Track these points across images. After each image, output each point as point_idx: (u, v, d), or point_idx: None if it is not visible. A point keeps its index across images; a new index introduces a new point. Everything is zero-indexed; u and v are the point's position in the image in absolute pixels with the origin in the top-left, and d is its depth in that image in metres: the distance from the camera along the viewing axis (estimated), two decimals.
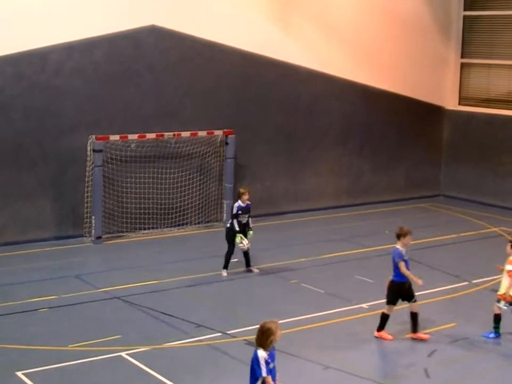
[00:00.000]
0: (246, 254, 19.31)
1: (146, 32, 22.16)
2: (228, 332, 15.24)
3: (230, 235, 19.01)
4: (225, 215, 23.55)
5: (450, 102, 29.14)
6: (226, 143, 23.42)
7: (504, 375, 13.74)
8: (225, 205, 23.57)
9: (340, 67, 26.05)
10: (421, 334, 15.07)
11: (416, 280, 14.83)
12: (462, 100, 29.19)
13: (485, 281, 18.98)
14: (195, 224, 23.43)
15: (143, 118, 22.25)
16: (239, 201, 19.01)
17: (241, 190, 19.23)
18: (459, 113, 28.93)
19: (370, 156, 27.36)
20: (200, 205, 23.52)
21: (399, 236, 15.09)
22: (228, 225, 19.33)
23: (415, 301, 15.05)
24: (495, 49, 28.10)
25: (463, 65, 29.06)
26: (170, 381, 13.05)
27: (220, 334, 15.18)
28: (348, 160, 26.91)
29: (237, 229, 18.77)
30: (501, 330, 15.39)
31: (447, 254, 21.67)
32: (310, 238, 22.64)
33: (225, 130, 23.39)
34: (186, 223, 23.28)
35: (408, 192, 28.43)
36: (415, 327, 15.08)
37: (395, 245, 15.04)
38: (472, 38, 28.76)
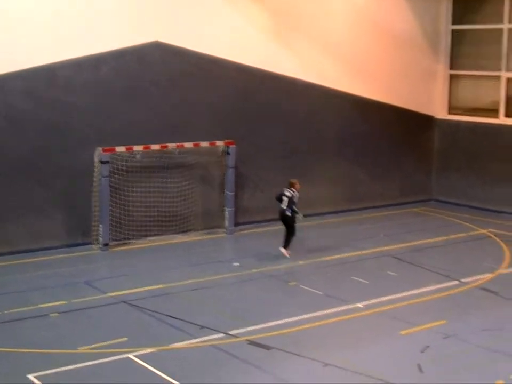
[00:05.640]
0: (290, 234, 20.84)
1: (151, 48, 22.10)
2: (231, 333, 15.14)
3: (294, 218, 20.70)
4: (227, 221, 23.45)
5: (440, 112, 29.12)
6: (228, 153, 23.34)
7: (494, 369, 13.63)
8: (227, 212, 23.47)
9: (335, 80, 26.02)
10: None
11: None
12: (451, 110, 29.17)
13: (475, 280, 18.92)
14: (198, 230, 23.33)
15: (148, 130, 22.17)
16: (295, 191, 20.82)
17: (293, 181, 21.02)
18: (448, 122, 28.92)
19: (365, 164, 27.29)
20: (203, 213, 23.42)
21: None
22: (288, 213, 20.66)
23: None
24: (482, 61, 28.07)
25: (451, 77, 29.04)
26: (176, 380, 12.94)
27: (223, 335, 15.08)
28: (344, 169, 26.82)
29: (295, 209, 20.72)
30: (490, 326, 15.38)
31: (438, 255, 21.58)
32: (308, 242, 22.55)
33: (227, 141, 23.31)
34: (190, 230, 23.18)
35: (402, 198, 28.36)
36: None
37: None
38: (460, 51, 28.73)
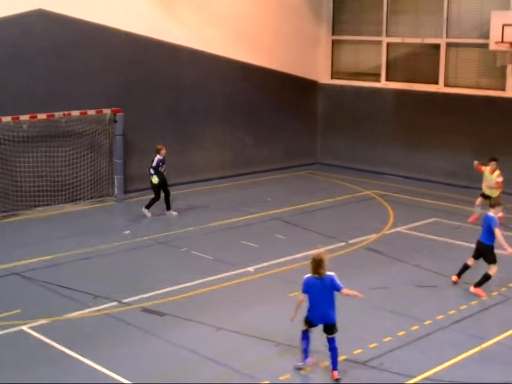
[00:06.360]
0: (167, 199, 21.87)
1: (34, 16, 21.63)
2: (124, 301, 15.17)
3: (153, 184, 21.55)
4: (116, 189, 23.35)
5: (323, 77, 29.53)
6: (115, 121, 23.16)
7: (381, 326, 14.06)
8: (116, 180, 23.36)
9: (221, 47, 26.07)
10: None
11: (507, 248, 15.44)
12: (334, 74, 29.61)
13: (361, 241, 19.40)
14: (88, 199, 23.14)
15: (34, 100, 21.75)
16: (158, 155, 21.37)
17: (159, 146, 21.56)
18: (332, 87, 29.37)
19: (251, 129, 27.49)
20: (92, 181, 23.23)
21: (493, 205, 15.73)
22: (151, 178, 21.48)
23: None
24: (363, 27, 28.55)
25: (334, 42, 29.46)
26: (71, 350, 12.93)
27: (116, 303, 15.10)
28: (230, 134, 26.96)
29: (153, 173, 21.36)
30: (376, 284, 15.85)
31: (324, 217, 22.01)
32: (197, 208, 22.67)
33: (114, 108, 23.11)
34: (79, 199, 22.97)
35: (287, 162, 28.73)
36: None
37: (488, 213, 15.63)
38: (342, 17, 29.14)
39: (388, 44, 27.82)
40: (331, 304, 12.02)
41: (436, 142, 26.02)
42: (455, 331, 13.92)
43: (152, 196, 21.79)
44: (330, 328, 12.09)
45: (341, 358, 12.54)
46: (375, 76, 28.29)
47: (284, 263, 17.61)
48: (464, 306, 15.09)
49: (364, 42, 28.64)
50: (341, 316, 12.95)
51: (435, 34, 26.48)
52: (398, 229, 20.54)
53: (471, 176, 22.86)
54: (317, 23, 29.10)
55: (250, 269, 17.23)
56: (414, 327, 14.03)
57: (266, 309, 15.00)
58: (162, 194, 21.85)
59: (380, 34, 27.94)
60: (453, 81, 26.33)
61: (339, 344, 12.13)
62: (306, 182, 26.96)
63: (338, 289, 11.95)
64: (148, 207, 21.71)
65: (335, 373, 12.09)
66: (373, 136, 27.91)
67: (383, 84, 27.98)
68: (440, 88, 26.37)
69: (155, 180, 21.37)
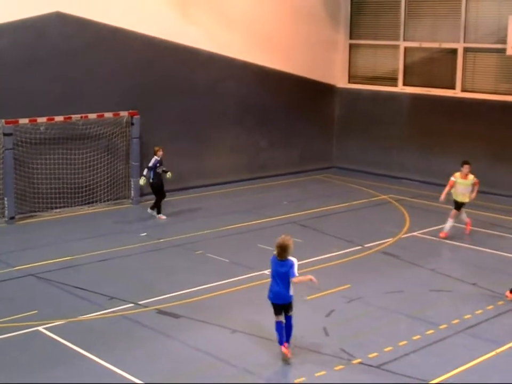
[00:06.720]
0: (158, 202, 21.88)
1: (51, 19, 21.70)
2: (140, 303, 15.19)
3: (154, 184, 21.75)
4: (132, 192, 23.41)
5: (340, 81, 29.50)
6: (132, 124, 23.22)
7: (396, 330, 14.04)
8: (132, 182, 23.40)
9: (237, 50, 26.05)
10: None
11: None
12: (351, 78, 29.59)
13: (377, 245, 19.36)
14: (104, 201, 23.19)
15: (51, 102, 21.82)
16: (155, 157, 21.58)
17: (156, 148, 21.76)
18: (349, 91, 29.33)
19: (267, 133, 27.45)
20: (109, 183, 23.28)
21: None
22: (150, 180, 21.69)
23: None
24: (380, 31, 28.52)
25: (351, 46, 29.42)
26: (87, 351, 12.95)
27: (132, 304, 15.12)
28: (246, 138, 26.94)
29: (145, 174, 21.64)
30: (392, 288, 15.83)
31: (341, 221, 21.98)
32: (213, 211, 22.68)
33: (131, 111, 23.17)
34: (96, 201, 23.03)
35: (304, 166, 28.68)
36: None
37: None
38: (360, 21, 29.11)
39: (405, 48, 27.77)
40: (287, 285, 12.66)
41: (452, 147, 25.89)
42: (471, 336, 13.84)
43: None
44: (287, 307, 12.82)
45: (355, 361, 12.53)
46: (392, 80, 28.22)
47: (300, 266, 17.40)
48: (479, 311, 15.02)
49: (381, 47, 28.60)
50: (357, 320, 12.96)
51: (452, 39, 26.40)
52: (414, 233, 20.49)
53: (486, 181, 22.74)
54: (335, 27, 29.07)
55: (267, 272, 17.14)
56: (429, 331, 13.97)
57: None
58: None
59: (397, 38, 27.89)
60: (470, 86, 26.24)
61: (355, 347, 12.10)
62: (323, 186, 26.92)
63: (291, 275, 12.58)
64: (158, 212, 21.85)
65: (286, 344, 12.76)
66: (389, 141, 27.84)
67: (400, 88, 27.92)
68: (457, 93, 26.28)
69: (142, 181, 21.70)
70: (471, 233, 20.46)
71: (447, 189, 19.94)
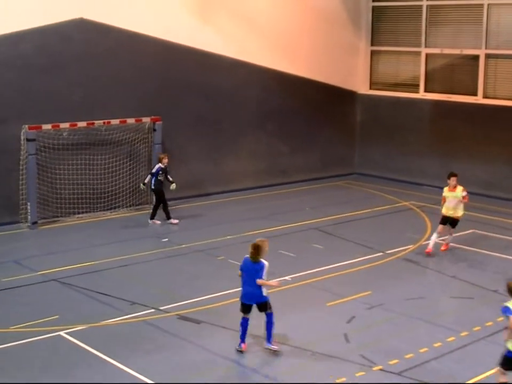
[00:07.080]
0: (156, 207, 22.02)
1: (75, 25, 21.84)
2: (161, 308, 15.23)
3: (157, 190, 21.89)
4: (154, 198, 23.44)
5: (361, 87, 29.47)
6: (154, 130, 23.29)
7: (417, 336, 14.01)
8: None
9: (259, 56, 26.07)
10: None
11: None
12: (373, 85, 29.56)
13: (398, 251, 19.30)
14: (126, 207, 23.28)
15: (73, 108, 21.94)
16: (159, 164, 21.76)
17: (161, 155, 22.01)
18: (370, 97, 29.30)
19: (287, 138, 27.44)
20: (131, 189, 23.37)
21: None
22: (152, 186, 21.96)
23: None
24: (401, 37, 28.49)
25: (373, 53, 29.40)
26: (107, 356, 13.01)
27: (153, 310, 15.16)
28: (266, 143, 26.96)
29: (146, 181, 22.15)
30: (412, 295, 15.77)
31: (362, 227, 21.93)
32: (234, 217, 22.70)
33: (153, 117, 23.26)
34: (118, 207, 23.12)
35: (325, 172, 28.64)
36: None
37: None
38: (381, 27, 29.09)
39: (427, 55, 27.70)
40: (259, 286, 13.05)
41: (473, 153, 25.80)
42: (492, 343, 13.77)
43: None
44: (262, 306, 13.21)
45: (376, 368, 12.51)
46: (414, 87, 28.15)
47: (321, 273, 17.57)
48: (501, 318, 14.79)
49: (403, 53, 28.55)
50: (377, 326, 12.93)
51: (474, 46, 26.30)
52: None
53: (507, 187, 22.66)
54: (356, 34, 29.07)
55: (288, 277, 17.20)
56: (450, 338, 13.93)
57: (303, 317, 14.98)
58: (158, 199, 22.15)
59: (418, 45, 27.83)
60: (491, 93, 26.14)
61: (375, 354, 12.07)
62: (344, 192, 26.88)
63: (257, 277, 12.99)
64: (168, 217, 22.01)
65: (268, 344, 13.23)
66: (410, 147, 27.76)
67: (421, 94, 27.85)
68: (478, 99, 26.17)
69: (142, 186, 22.30)
70: (492, 239, 20.37)
71: (442, 204, 19.40)
